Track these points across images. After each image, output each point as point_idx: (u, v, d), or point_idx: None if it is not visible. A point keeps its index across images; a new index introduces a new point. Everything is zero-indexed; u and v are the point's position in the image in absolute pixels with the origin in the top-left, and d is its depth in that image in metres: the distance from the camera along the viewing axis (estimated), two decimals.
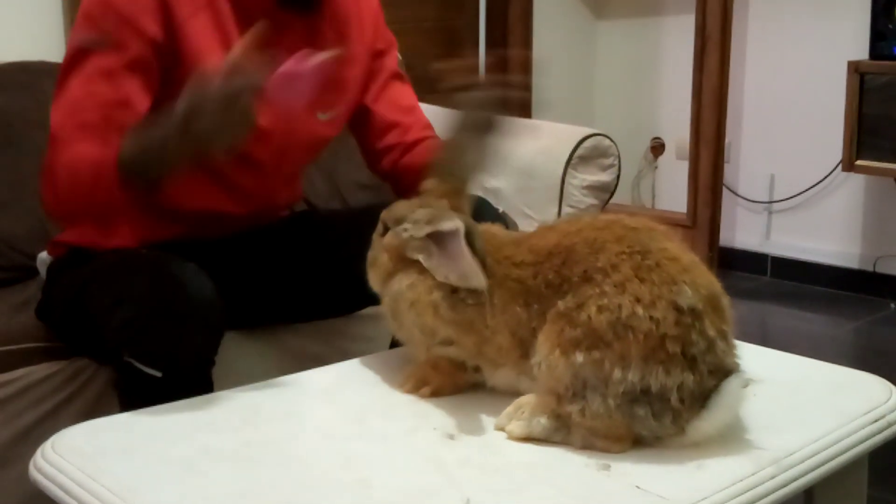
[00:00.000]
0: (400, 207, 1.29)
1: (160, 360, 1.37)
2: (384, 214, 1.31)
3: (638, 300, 1.08)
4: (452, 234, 1.18)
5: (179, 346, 1.37)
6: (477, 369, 1.27)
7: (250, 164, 1.61)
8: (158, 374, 1.37)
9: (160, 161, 1.34)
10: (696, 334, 1.08)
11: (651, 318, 1.07)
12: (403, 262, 1.26)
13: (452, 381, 1.29)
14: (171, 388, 1.33)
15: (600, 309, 1.09)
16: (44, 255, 1.73)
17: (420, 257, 1.23)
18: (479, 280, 1.18)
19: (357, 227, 1.44)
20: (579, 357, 1.09)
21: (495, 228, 1.30)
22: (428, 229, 1.21)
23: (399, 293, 1.26)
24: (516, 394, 1.20)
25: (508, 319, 1.18)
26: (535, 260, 1.17)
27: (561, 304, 1.12)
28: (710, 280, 1.14)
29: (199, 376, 1.42)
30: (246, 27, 1.51)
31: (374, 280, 1.33)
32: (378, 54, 1.74)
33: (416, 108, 1.77)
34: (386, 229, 1.30)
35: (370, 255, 1.33)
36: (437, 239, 1.21)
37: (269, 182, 1.68)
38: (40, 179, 1.47)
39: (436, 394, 1.29)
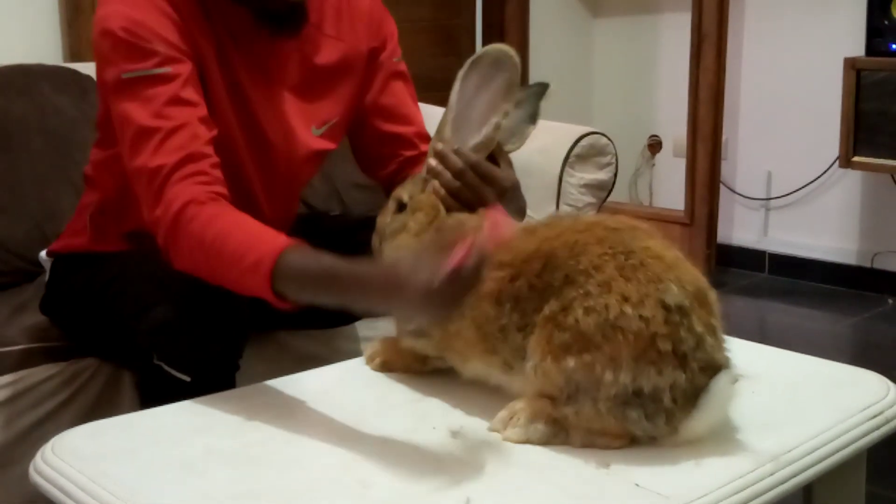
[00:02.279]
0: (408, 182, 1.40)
1: (190, 364, 1.38)
2: (396, 193, 1.38)
3: (625, 299, 1.08)
4: None
5: (209, 351, 1.38)
6: (440, 360, 1.31)
7: (253, 184, 1.59)
8: (187, 379, 1.37)
9: (320, 293, 1.24)
10: (685, 331, 1.08)
11: (641, 317, 1.07)
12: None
13: (405, 364, 1.36)
14: (196, 391, 1.33)
15: (587, 311, 1.09)
16: (44, 255, 1.73)
17: None
18: None
19: (357, 237, 1.45)
20: (570, 362, 1.09)
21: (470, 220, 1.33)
22: None
23: None
24: (496, 388, 1.22)
25: (476, 315, 1.19)
26: (513, 262, 1.17)
27: (546, 309, 1.12)
28: (695, 276, 1.13)
29: (225, 380, 1.42)
30: (241, 51, 1.50)
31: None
32: (374, 52, 1.66)
33: (415, 115, 1.70)
34: (399, 206, 1.36)
35: (387, 228, 1.39)
36: None
37: (271, 201, 1.64)
38: (142, 205, 1.38)
39: (386, 367, 1.37)
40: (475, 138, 1.39)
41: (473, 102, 1.37)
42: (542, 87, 1.45)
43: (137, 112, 1.37)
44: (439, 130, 1.40)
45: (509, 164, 1.46)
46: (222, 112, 1.49)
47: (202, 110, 1.41)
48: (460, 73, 1.37)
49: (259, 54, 1.53)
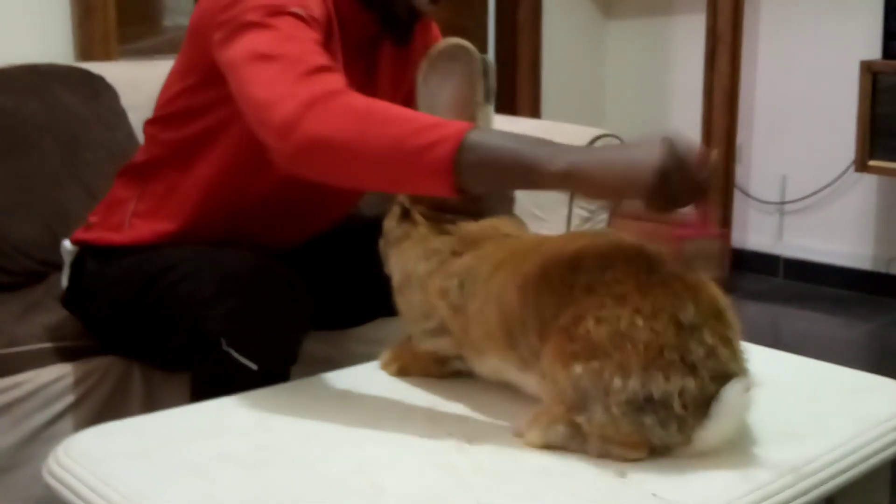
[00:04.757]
0: None
1: (260, 352, 1.39)
2: (400, 198, 1.37)
3: (638, 311, 1.07)
4: None
5: (282, 339, 1.40)
6: (459, 358, 1.31)
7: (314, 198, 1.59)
8: (255, 367, 1.38)
9: (505, 175, 1.14)
10: (695, 343, 1.07)
11: (651, 329, 1.06)
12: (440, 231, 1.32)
13: (422, 368, 1.35)
14: (257, 383, 1.35)
15: (598, 321, 1.08)
16: (68, 244, 1.68)
17: None
18: None
19: (368, 239, 1.45)
20: (577, 368, 1.08)
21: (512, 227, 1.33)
22: None
23: (413, 273, 1.32)
24: (514, 387, 1.22)
25: (503, 305, 1.19)
26: (544, 260, 1.18)
27: (562, 320, 1.12)
28: (715, 295, 1.12)
29: (284, 372, 1.43)
30: (347, 51, 1.50)
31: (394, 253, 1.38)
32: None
33: None
34: (404, 212, 1.35)
35: (392, 234, 1.38)
36: None
37: (324, 205, 1.66)
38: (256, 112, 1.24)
39: (402, 372, 1.37)
40: None
41: (438, 102, 1.33)
42: (484, 64, 1.36)
43: (285, 25, 1.30)
44: None
45: None
46: None
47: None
48: (419, 78, 1.33)
49: (362, 69, 1.56)
